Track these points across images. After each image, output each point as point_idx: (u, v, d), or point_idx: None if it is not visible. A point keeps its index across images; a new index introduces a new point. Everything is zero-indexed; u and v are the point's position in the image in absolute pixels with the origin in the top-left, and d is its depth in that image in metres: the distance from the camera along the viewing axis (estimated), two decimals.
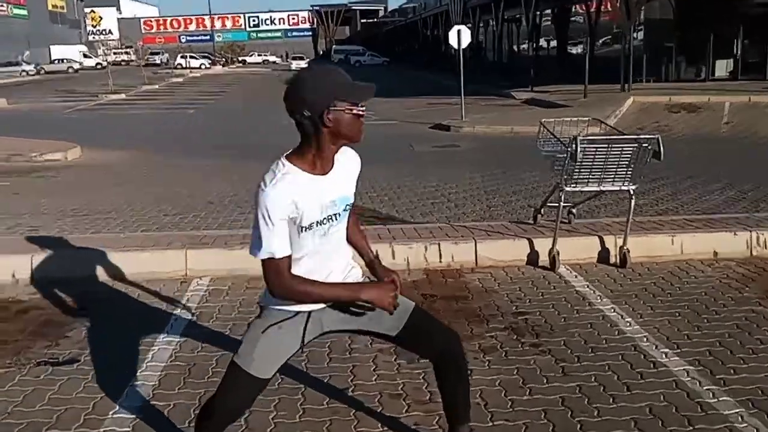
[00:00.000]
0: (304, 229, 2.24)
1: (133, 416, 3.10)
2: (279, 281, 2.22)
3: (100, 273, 5.03)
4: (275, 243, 2.17)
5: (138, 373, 3.52)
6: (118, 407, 3.18)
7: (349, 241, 2.55)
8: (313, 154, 2.23)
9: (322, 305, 2.40)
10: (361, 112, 2.22)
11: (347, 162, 2.38)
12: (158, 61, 67.67)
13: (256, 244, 2.21)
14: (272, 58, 79.99)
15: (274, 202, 2.15)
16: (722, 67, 25.90)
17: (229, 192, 9.07)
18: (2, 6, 74.37)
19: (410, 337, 2.50)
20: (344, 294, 2.33)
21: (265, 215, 2.15)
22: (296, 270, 2.28)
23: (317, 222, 2.25)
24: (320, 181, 2.25)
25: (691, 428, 2.92)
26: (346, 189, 2.35)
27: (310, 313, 2.40)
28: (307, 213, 2.22)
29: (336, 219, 2.32)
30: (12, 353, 3.80)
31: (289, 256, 2.22)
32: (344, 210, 2.35)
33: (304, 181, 2.21)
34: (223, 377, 2.47)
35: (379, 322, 2.47)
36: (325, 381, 3.42)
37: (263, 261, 2.21)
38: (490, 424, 2.99)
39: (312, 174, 2.23)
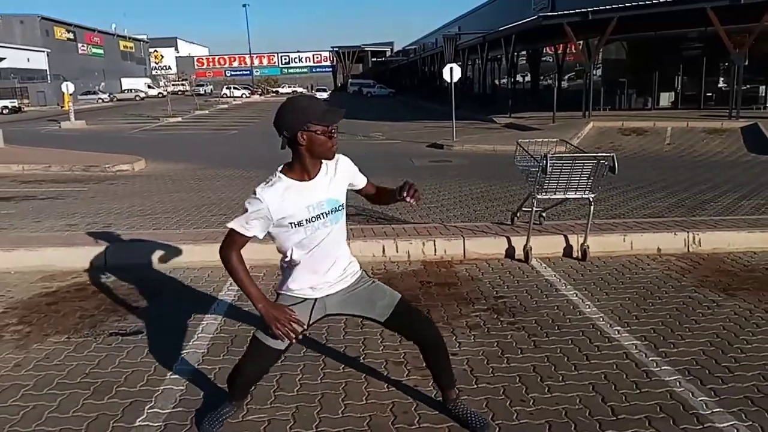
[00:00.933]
0: (294, 225, 2.29)
1: (186, 377, 3.11)
2: (225, 248, 2.34)
3: (161, 262, 5.04)
4: (241, 223, 2.28)
5: (190, 343, 3.54)
6: (174, 370, 3.20)
7: (383, 200, 2.62)
8: (298, 165, 2.29)
9: (326, 293, 2.44)
10: (331, 134, 2.25)
11: (339, 170, 2.41)
12: (202, 92, 65.38)
13: (234, 218, 2.31)
14: (300, 89, 79.79)
15: (256, 203, 2.25)
16: (665, 98, 25.77)
17: None
18: (83, 47, 74.79)
19: (395, 323, 2.53)
20: (251, 296, 2.33)
21: (247, 206, 2.27)
22: (303, 256, 2.35)
23: (306, 220, 2.30)
24: (306, 187, 2.29)
25: (638, 391, 2.91)
26: (334, 193, 2.36)
27: (316, 299, 2.44)
28: (296, 213, 2.27)
29: (325, 217, 2.34)
30: (89, 326, 3.82)
31: (245, 239, 2.32)
32: (334, 210, 2.36)
33: (291, 187, 2.27)
34: (246, 349, 2.52)
35: (371, 309, 2.51)
36: (341, 350, 3.42)
37: (228, 229, 2.31)
38: (475, 386, 2.99)
39: (299, 181, 2.29)
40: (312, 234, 2.32)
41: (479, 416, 2.64)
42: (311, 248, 2.35)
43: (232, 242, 2.32)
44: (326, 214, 2.33)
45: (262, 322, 2.42)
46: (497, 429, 2.62)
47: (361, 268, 2.58)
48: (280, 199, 2.25)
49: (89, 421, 2.70)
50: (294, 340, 2.30)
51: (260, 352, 2.43)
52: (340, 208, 2.39)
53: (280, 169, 2.32)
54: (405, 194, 2.36)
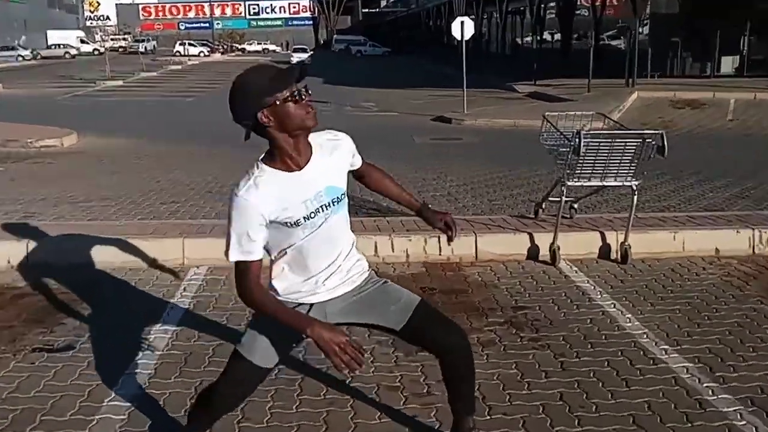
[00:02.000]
0: (291, 225, 2.25)
1: (129, 404, 3.12)
2: (242, 283, 2.26)
3: (97, 260, 5.03)
4: (237, 249, 2.21)
5: (134, 361, 3.53)
6: (113, 395, 3.19)
7: (386, 194, 2.76)
8: (278, 153, 2.24)
9: (326, 297, 2.42)
10: (297, 97, 2.18)
11: (333, 149, 2.39)
12: (143, 49, 57.30)
13: (228, 244, 2.23)
14: (272, 47, 79.65)
15: (242, 209, 2.19)
16: (728, 64, 25.88)
17: (228, 179, 9.06)
18: None
19: (415, 332, 2.50)
20: (294, 323, 2.25)
21: (234, 219, 2.20)
22: (296, 255, 2.33)
23: (304, 217, 2.26)
24: (298, 177, 2.26)
25: (689, 425, 2.94)
26: (333, 180, 2.33)
27: (311, 305, 2.41)
28: (292, 210, 2.23)
29: (326, 209, 2.31)
30: (7, 340, 3.81)
31: (258, 261, 2.24)
32: (336, 200, 2.34)
33: (281, 180, 2.23)
34: (225, 366, 2.50)
35: (383, 315, 2.49)
36: (323, 371, 3.44)
37: (235, 262, 2.24)
38: (488, 417, 3.01)
39: (288, 172, 2.25)
40: (310, 232, 2.29)
41: None
42: (306, 247, 2.34)
43: (244, 275, 2.25)
44: (326, 207, 2.31)
45: (247, 336, 2.43)
46: None
47: (370, 267, 2.58)
48: (270, 197, 2.20)
49: None
50: (359, 369, 2.22)
51: (243, 370, 2.42)
52: (342, 197, 2.37)
53: (261, 158, 2.27)
54: (442, 226, 2.63)
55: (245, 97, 2.18)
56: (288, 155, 2.24)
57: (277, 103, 2.16)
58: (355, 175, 2.63)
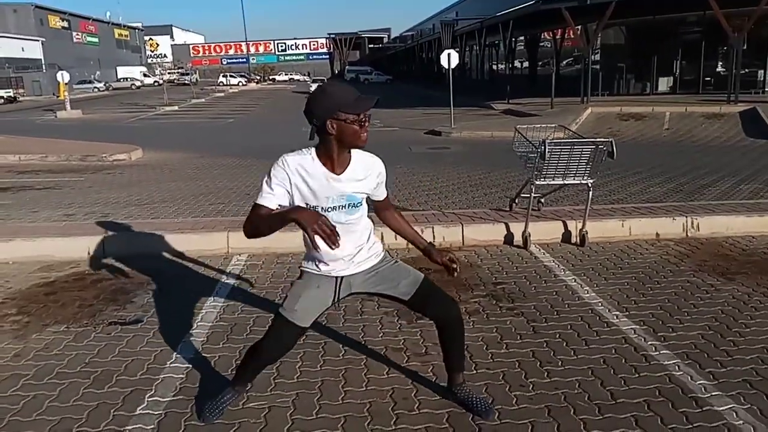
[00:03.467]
0: (309, 207, 2.26)
1: (186, 365, 3.12)
2: (249, 219, 2.27)
3: (159, 251, 5.03)
4: (262, 194, 2.24)
5: (190, 331, 3.53)
6: (174, 358, 3.20)
7: (399, 233, 2.65)
8: (326, 154, 2.25)
9: (351, 272, 2.44)
10: (362, 122, 2.19)
11: (369, 170, 2.37)
12: (187, 81, 55.38)
13: (259, 192, 2.27)
14: (297, 77, 79.32)
15: (280, 168, 2.22)
16: (664, 83, 25.71)
17: None
18: (78, 35, 74.33)
19: (419, 302, 2.53)
20: (281, 216, 2.19)
21: (269, 172, 2.24)
22: (317, 242, 2.28)
23: (323, 208, 2.27)
24: (329, 176, 2.26)
25: (636, 375, 2.92)
26: (355, 190, 2.32)
27: (342, 277, 2.45)
28: (310, 196, 2.24)
29: (345, 209, 2.31)
30: (88, 315, 3.82)
31: (266, 210, 2.24)
32: (351, 206, 2.33)
33: (315, 170, 2.24)
34: (269, 326, 2.50)
35: (395, 288, 2.52)
36: (341, 337, 3.43)
37: (254, 204, 2.27)
38: (475, 372, 3.00)
39: (325, 169, 2.26)
40: (335, 222, 2.26)
41: (483, 400, 2.65)
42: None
43: (254, 213, 2.25)
44: (343, 207, 2.31)
45: (288, 300, 2.43)
46: (497, 414, 2.63)
47: (384, 249, 2.57)
48: (302, 174, 2.21)
49: (90, 410, 2.70)
50: (335, 246, 2.10)
51: (284, 329, 2.42)
52: (359, 204, 2.36)
53: (316, 146, 2.27)
54: (445, 262, 2.51)
55: (325, 104, 2.18)
56: (332, 159, 2.25)
57: (346, 121, 2.17)
58: (375, 208, 2.59)
